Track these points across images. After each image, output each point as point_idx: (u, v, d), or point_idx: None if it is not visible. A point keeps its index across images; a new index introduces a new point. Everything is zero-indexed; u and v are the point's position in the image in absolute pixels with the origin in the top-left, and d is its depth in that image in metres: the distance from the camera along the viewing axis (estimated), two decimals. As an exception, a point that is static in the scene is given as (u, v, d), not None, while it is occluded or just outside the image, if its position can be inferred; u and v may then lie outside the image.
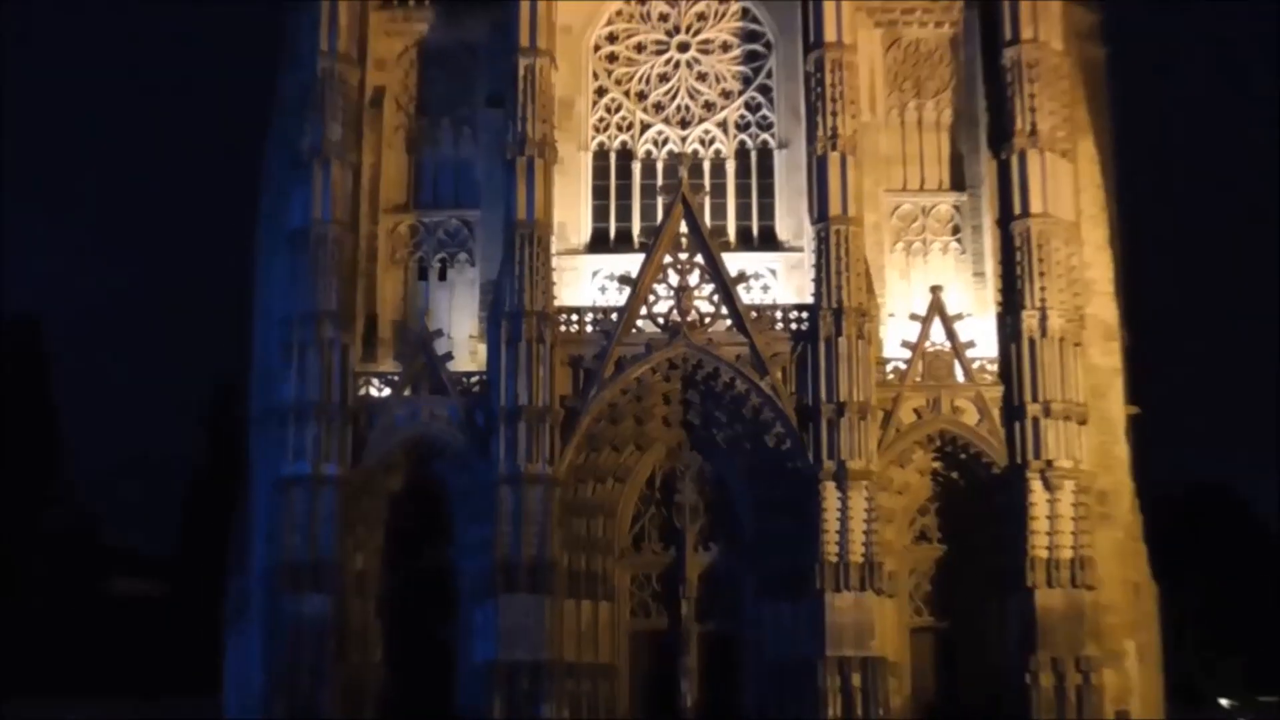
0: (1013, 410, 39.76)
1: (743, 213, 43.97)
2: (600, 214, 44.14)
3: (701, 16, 45.03)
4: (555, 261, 41.40)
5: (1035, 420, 39.20)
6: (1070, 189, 41.51)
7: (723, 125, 44.54)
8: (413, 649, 41.19)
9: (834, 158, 40.71)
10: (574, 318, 41.16)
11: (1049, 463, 38.89)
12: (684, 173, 42.23)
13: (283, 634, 39.45)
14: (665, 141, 44.42)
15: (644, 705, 41.26)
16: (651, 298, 40.96)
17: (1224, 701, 57.57)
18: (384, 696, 40.96)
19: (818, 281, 40.35)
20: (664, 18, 45.11)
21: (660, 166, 44.03)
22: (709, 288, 40.80)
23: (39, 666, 52.63)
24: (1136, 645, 40.83)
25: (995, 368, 40.55)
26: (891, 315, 41.63)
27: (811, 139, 41.52)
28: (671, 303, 40.76)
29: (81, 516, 66.92)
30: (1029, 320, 39.75)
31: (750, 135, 44.45)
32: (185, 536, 66.22)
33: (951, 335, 40.79)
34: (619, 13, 45.16)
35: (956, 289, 41.95)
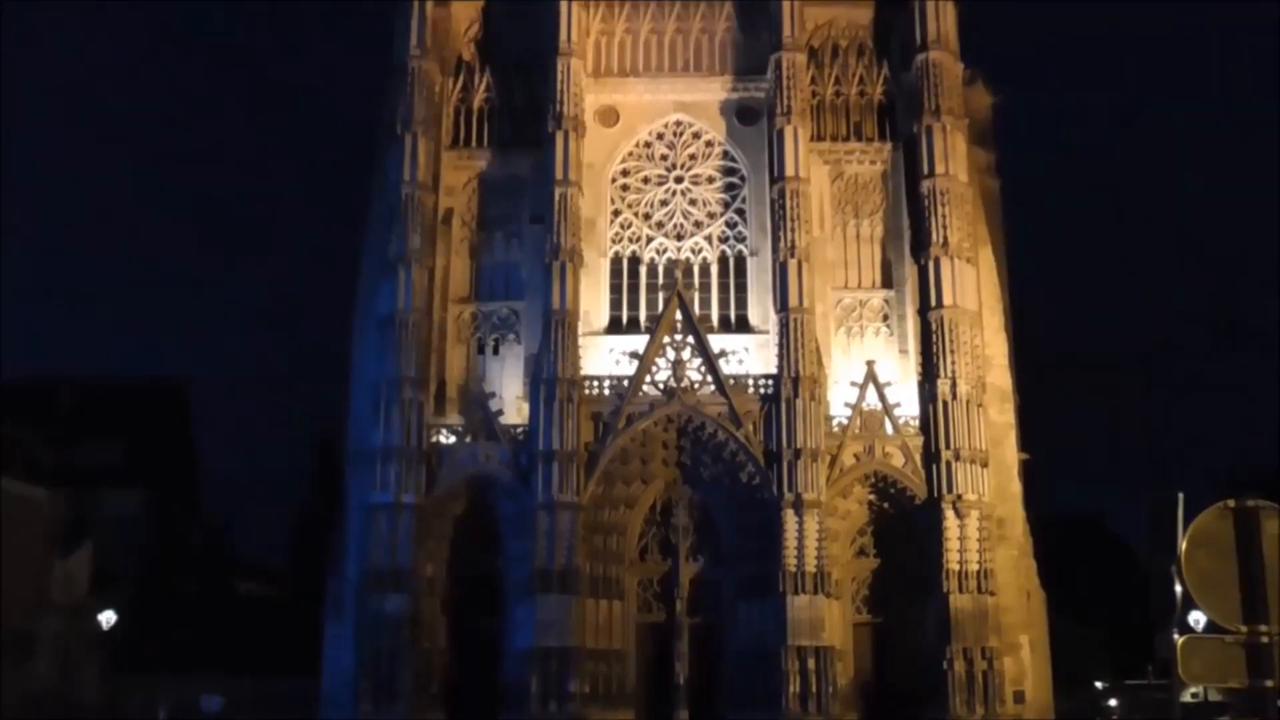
0: (930, 455, 39.81)
1: (723, 304, 44.01)
2: (615, 305, 44.21)
3: (692, 157, 45.31)
4: (581, 341, 41.45)
5: (948, 463, 39.25)
6: (973, 286, 41.63)
7: (708, 238, 44.68)
8: (469, 638, 40.97)
9: (793, 263, 40.99)
10: (595, 383, 41.21)
11: (959, 496, 38.90)
12: (679, 274, 42.57)
13: (369, 626, 39.27)
14: (665, 250, 44.53)
15: (647, 682, 40.91)
16: (654, 368, 41.01)
17: (1098, 684, 56.99)
18: (447, 675, 40.67)
19: (780, 357, 40.53)
20: (664, 157, 45.36)
21: (661, 269, 44.11)
22: (698, 361, 40.91)
23: (176, 650, 52.37)
24: (1029, 639, 40.69)
25: (916, 423, 40.60)
26: (836, 383, 41.62)
27: (775, 249, 41.74)
28: (669, 372, 40.85)
29: (215, 533, 66.84)
30: (942, 387, 39.86)
31: (729, 246, 44.57)
32: (294, 549, 65.88)
33: (882, 398, 40.91)
34: (630, 153, 45.40)
35: (886, 363, 42.03)
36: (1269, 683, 7.72)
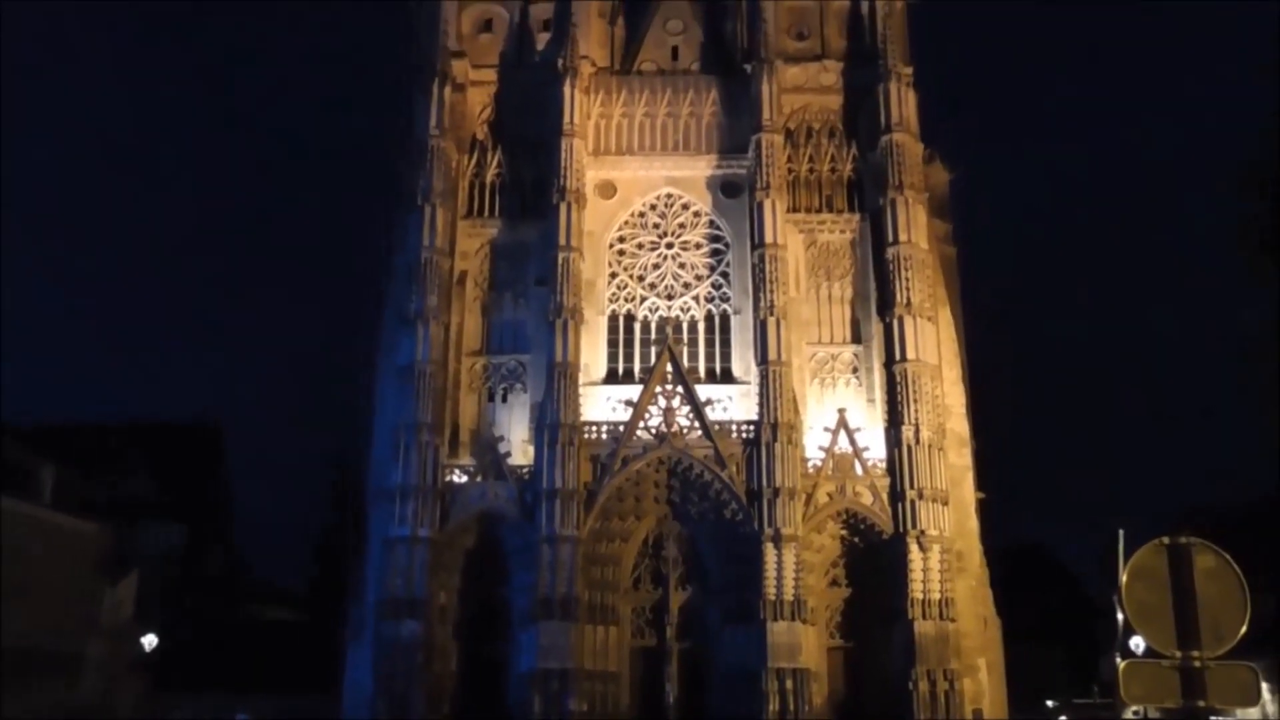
0: (896, 494, 39.89)
1: (710, 358, 44.10)
2: (612, 358, 44.29)
3: (682, 225, 45.72)
4: (581, 390, 41.55)
5: (912, 502, 39.32)
6: (934, 342, 41.91)
7: (696, 298, 44.93)
8: (478, 661, 40.60)
9: (771, 321, 41.38)
10: (594, 429, 41.26)
11: (922, 531, 38.95)
12: (669, 330, 42.84)
13: (385, 650, 38.96)
14: (657, 309, 44.75)
15: (640, 702, 40.54)
16: (647, 415, 41.14)
17: (1049, 702, 56.46)
18: (457, 696, 40.30)
19: (760, 405, 40.73)
20: (656, 226, 45.76)
21: (653, 326, 44.24)
22: (686, 409, 41.05)
23: (209, 671, 51.64)
24: (986, 662, 40.40)
25: (883, 465, 40.68)
26: (811, 428, 41.72)
27: (756, 308, 42.14)
28: (660, 419, 40.99)
29: (245, 563, 66.17)
30: (907, 433, 40.06)
31: (714, 305, 44.83)
32: (318, 578, 65.11)
33: (853, 442, 41.06)
34: (626, 222, 45.80)
35: (855, 411, 42.17)
36: (1201, 703, 7.86)
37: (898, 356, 41.10)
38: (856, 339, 43.73)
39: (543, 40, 47.37)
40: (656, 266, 45.36)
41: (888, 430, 41.05)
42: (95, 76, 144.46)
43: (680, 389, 41.29)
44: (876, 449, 41.10)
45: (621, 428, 40.97)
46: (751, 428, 40.65)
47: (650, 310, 44.84)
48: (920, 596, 38.38)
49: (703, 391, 41.66)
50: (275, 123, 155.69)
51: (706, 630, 40.65)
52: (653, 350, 43.05)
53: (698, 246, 45.49)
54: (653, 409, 41.15)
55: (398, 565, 39.58)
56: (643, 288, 45.13)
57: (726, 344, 44.20)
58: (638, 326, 44.63)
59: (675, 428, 40.73)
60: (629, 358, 44.27)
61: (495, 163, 45.83)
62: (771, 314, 41.40)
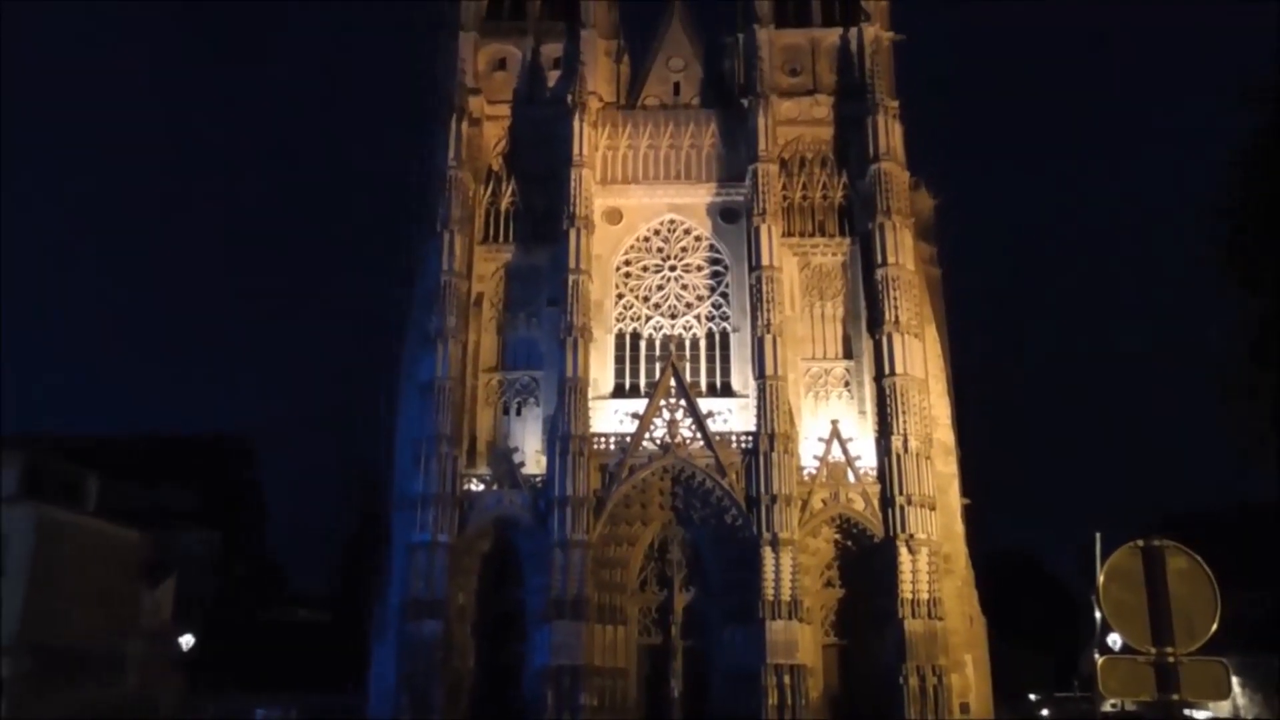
0: (886, 500, 39.84)
1: (710, 373, 44.13)
2: (619, 373, 44.32)
3: (684, 249, 45.86)
4: (590, 403, 41.66)
5: (901, 507, 39.26)
6: (921, 358, 41.91)
7: (697, 317, 44.99)
8: (494, 658, 40.56)
9: (768, 338, 41.44)
10: (602, 440, 41.25)
11: (911, 535, 38.86)
12: (673, 347, 43.07)
13: (408, 648, 38.94)
14: (661, 328, 44.80)
15: (646, 697, 40.45)
16: (652, 427, 41.15)
17: (1032, 696, 56.16)
18: (475, 692, 40.23)
19: (758, 417, 40.73)
20: (660, 250, 45.88)
21: (657, 343, 44.35)
22: (689, 421, 41.07)
23: (242, 669, 51.53)
24: (972, 658, 40.25)
25: (874, 473, 40.61)
26: (806, 439, 41.66)
27: (754, 326, 42.19)
28: (665, 430, 40.97)
29: (274, 566, 66.13)
30: (896, 442, 40.02)
31: (715, 323, 44.87)
32: (344, 581, 65.09)
33: (845, 452, 41.00)
34: (632, 246, 45.89)
35: (848, 422, 42.13)
36: (1175, 696, 7.86)
37: (887, 371, 41.11)
38: (848, 354, 43.73)
39: (553, 78, 47.67)
40: (660, 288, 45.48)
41: (878, 440, 41.01)
42: (139, 97, 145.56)
43: (683, 402, 41.31)
44: (868, 458, 41.03)
45: (628, 439, 40.95)
46: (750, 438, 40.63)
47: (655, 329, 44.89)
48: (910, 596, 38.26)
49: (704, 404, 41.68)
50: (304, 154, 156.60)
51: (709, 629, 40.54)
52: (657, 366, 43.16)
53: (699, 269, 45.60)
54: (657, 421, 41.16)
55: (419, 569, 39.58)
56: (647, 307, 45.21)
57: (726, 360, 44.20)
58: (643, 344, 44.68)
59: (678, 439, 40.73)
60: (635, 373, 44.29)
61: (509, 192, 46.03)
62: (768, 331, 41.45)
